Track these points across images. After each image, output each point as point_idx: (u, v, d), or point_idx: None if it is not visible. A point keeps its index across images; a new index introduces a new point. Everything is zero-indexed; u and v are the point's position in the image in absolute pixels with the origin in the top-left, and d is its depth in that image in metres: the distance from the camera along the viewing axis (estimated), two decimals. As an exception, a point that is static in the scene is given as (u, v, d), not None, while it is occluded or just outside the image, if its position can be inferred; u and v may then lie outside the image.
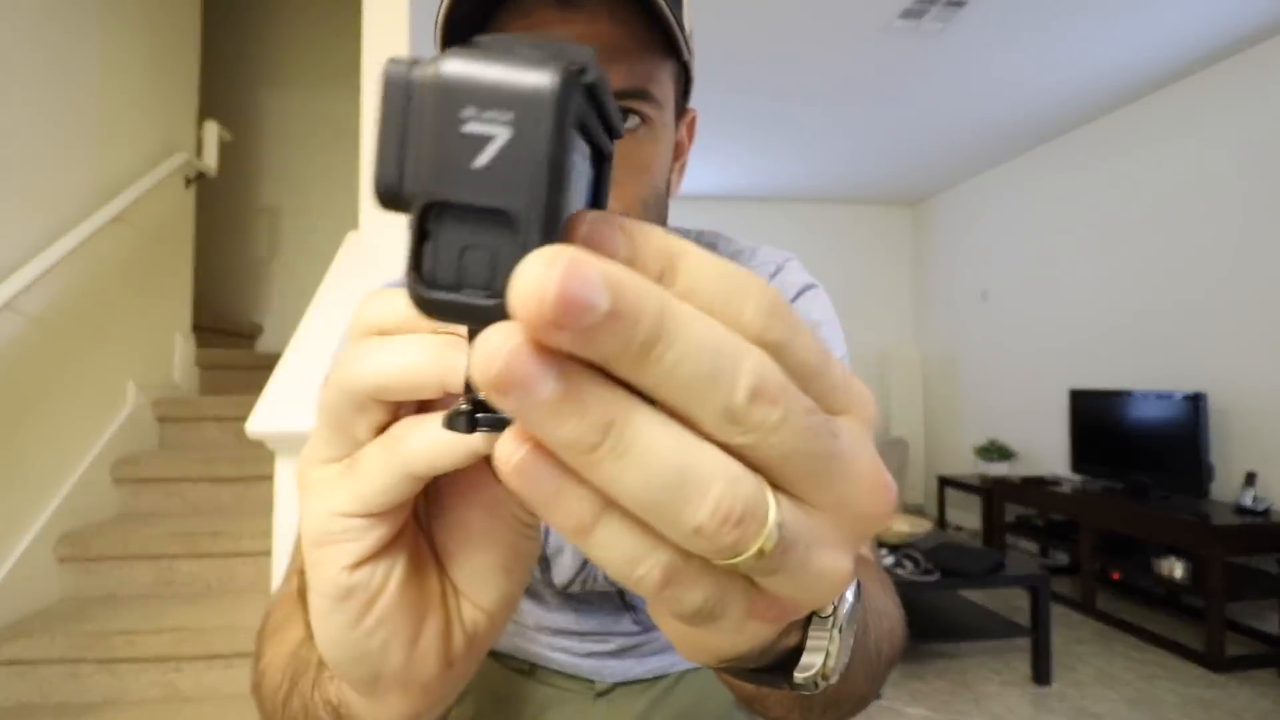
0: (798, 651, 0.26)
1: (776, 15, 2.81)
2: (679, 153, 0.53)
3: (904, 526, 2.79)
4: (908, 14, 2.77)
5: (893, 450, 4.87)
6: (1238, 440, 3.03)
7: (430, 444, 0.19)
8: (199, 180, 3.03)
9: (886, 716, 2.29)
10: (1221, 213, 3.15)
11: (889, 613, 0.41)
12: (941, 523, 4.68)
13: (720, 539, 0.13)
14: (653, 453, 0.13)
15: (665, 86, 0.46)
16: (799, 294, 0.57)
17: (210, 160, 3.03)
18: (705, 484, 0.13)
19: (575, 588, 0.62)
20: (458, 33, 0.44)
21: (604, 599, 0.64)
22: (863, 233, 5.80)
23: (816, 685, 0.26)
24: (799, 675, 0.26)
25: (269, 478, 2.21)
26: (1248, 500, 2.77)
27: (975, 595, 3.21)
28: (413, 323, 0.19)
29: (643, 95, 0.44)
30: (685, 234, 0.58)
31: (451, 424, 0.17)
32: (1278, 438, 2.87)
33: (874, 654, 0.36)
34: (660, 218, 0.49)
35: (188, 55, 2.99)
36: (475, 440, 0.18)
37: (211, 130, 3.03)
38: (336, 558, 0.20)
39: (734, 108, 3.75)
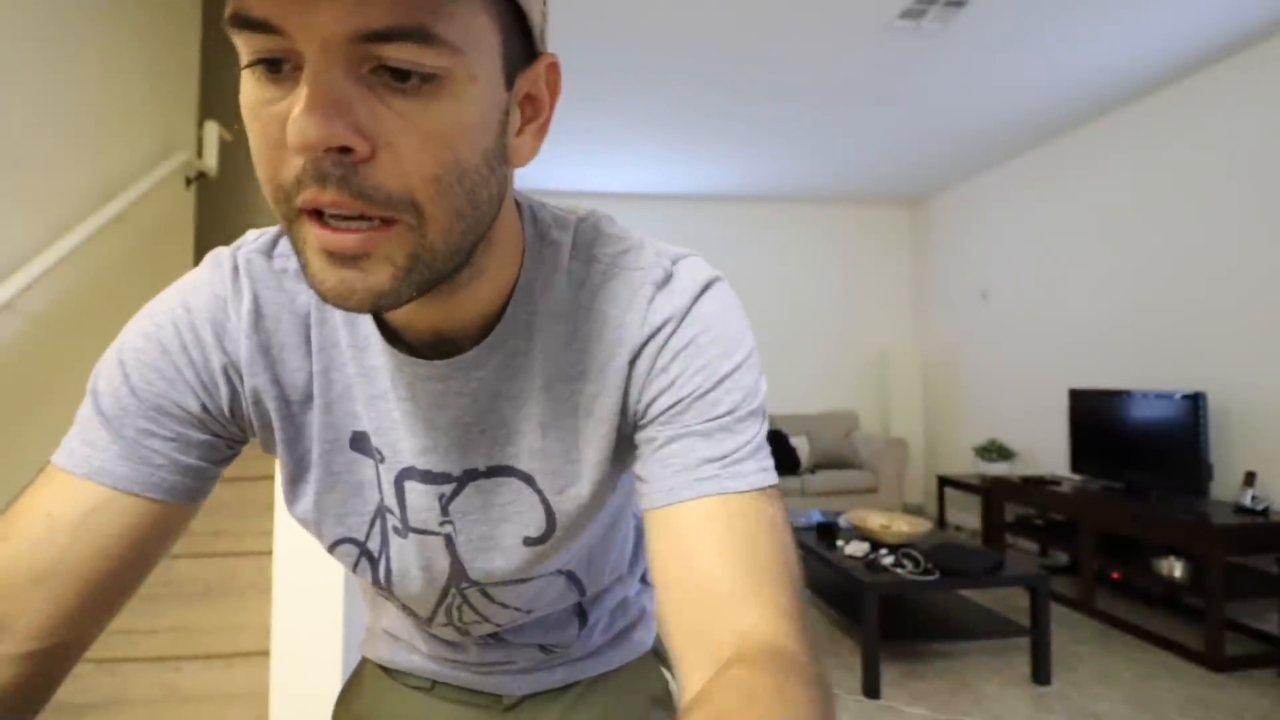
0: None
1: (776, 15, 2.81)
2: (536, 110, 0.40)
3: (904, 526, 2.79)
4: (907, 14, 2.78)
5: (893, 450, 4.87)
6: (1237, 440, 3.03)
7: None
8: (199, 180, 3.03)
9: (886, 716, 2.29)
10: (1221, 212, 3.16)
11: None
12: (941, 523, 4.68)
13: None
14: None
15: (467, 25, 0.32)
16: (698, 296, 0.45)
17: (210, 160, 3.02)
18: None
19: (449, 633, 0.59)
20: None
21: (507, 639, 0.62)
22: (862, 233, 5.80)
23: None
24: None
25: (269, 478, 2.21)
26: (1247, 500, 2.77)
27: (975, 595, 3.22)
28: None
29: (420, 36, 0.30)
30: (567, 223, 0.47)
31: None
32: (1277, 437, 2.88)
33: None
34: (475, 196, 0.35)
35: (188, 55, 2.99)
36: None
37: (211, 130, 3.03)
38: None
39: (734, 108, 3.75)
